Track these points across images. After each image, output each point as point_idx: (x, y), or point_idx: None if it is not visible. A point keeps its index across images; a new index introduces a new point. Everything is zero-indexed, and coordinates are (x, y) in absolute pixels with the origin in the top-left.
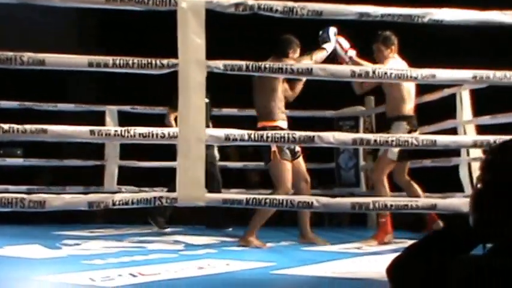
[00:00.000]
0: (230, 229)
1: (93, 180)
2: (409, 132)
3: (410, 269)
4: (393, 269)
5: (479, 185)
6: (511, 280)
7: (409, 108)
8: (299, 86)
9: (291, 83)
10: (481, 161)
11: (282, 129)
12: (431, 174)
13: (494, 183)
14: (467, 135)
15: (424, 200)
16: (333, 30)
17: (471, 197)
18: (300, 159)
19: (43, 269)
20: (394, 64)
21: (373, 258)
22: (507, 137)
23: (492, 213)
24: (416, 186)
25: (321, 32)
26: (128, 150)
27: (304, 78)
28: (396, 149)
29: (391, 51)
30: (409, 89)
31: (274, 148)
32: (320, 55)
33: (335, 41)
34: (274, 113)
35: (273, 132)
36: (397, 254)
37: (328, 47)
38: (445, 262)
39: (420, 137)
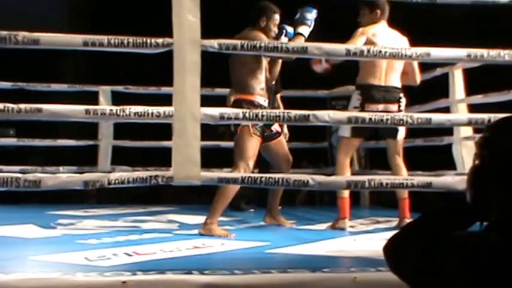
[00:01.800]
0: (252, 210)
1: (87, 160)
2: (362, 102)
3: (407, 247)
4: (390, 248)
5: (476, 162)
6: (507, 257)
7: (371, 77)
8: (276, 69)
9: (269, 65)
10: (479, 138)
11: (259, 104)
12: (423, 153)
13: (491, 159)
14: (462, 114)
15: (419, 178)
16: (314, 13)
17: (469, 174)
18: (281, 140)
19: (38, 248)
20: (376, 31)
21: (366, 237)
22: (501, 115)
23: (489, 188)
24: (404, 171)
25: (299, 14)
26: (121, 130)
27: (280, 61)
28: (348, 126)
29: (377, 15)
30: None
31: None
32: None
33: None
34: (251, 87)
35: (268, 111)
36: (392, 232)
37: (305, 31)
38: (441, 240)
39: (415, 115)
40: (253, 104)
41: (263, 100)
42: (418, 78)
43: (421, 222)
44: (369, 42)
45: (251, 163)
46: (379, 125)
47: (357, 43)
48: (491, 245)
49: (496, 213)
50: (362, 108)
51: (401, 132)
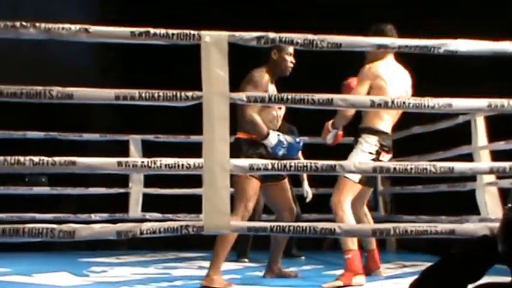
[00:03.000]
0: (303, 258)
1: (118, 207)
2: (378, 150)
3: None
4: None
5: (509, 216)
6: None
7: (384, 124)
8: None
9: None
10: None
11: (258, 143)
12: (447, 198)
13: None
14: (484, 162)
15: (442, 225)
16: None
17: (500, 227)
18: (284, 186)
19: None
20: (375, 71)
21: (394, 282)
22: None
23: None
24: (370, 221)
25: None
26: (151, 176)
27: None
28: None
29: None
30: None
31: None
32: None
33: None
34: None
35: (296, 162)
36: (412, 277)
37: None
38: (465, 286)
39: (438, 164)
40: (252, 143)
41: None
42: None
43: (440, 268)
44: (374, 86)
45: (250, 205)
46: (402, 175)
47: (360, 91)
48: None
49: None
50: (377, 156)
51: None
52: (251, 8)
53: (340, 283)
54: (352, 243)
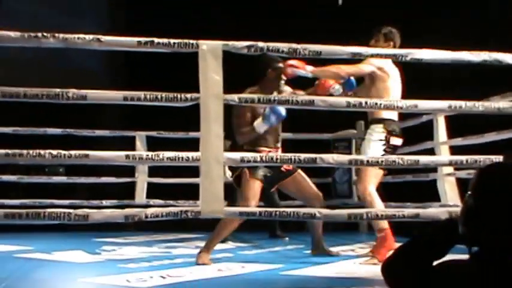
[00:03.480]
0: (286, 238)
1: (126, 194)
2: (386, 135)
3: (399, 268)
4: (386, 269)
5: (469, 202)
6: (490, 285)
7: (388, 112)
8: None
9: None
10: (472, 180)
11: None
12: (412, 187)
13: (481, 201)
14: (444, 156)
15: (408, 210)
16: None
17: (461, 212)
18: (298, 177)
19: (86, 271)
20: (380, 62)
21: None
22: (477, 157)
23: (480, 226)
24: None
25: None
26: (155, 168)
27: None
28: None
29: (389, 47)
30: (389, 94)
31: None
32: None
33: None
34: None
35: (282, 154)
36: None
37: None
38: (430, 263)
39: (405, 157)
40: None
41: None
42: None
43: (412, 245)
44: (378, 77)
45: (253, 203)
46: (375, 166)
47: (363, 68)
48: (476, 274)
49: (482, 246)
50: (387, 141)
51: None
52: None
53: (375, 260)
54: (384, 223)
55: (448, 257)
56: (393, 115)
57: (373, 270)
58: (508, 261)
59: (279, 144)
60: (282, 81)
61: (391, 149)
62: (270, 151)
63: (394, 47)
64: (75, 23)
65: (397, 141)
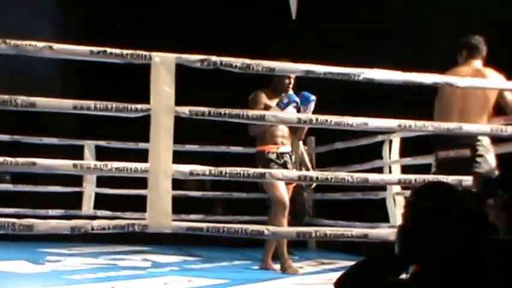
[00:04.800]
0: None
1: (72, 204)
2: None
3: (351, 286)
4: (338, 286)
5: (402, 221)
6: None
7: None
8: (300, 132)
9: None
10: (406, 200)
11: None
12: (362, 205)
13: (414, 220)
14: (393, 174)
15: (357, 230)
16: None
17: (397, 231)
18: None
19: (29, 282)
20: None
21: (314, 277)
22: (425, 176)
23: (412, 244)
24: None
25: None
26: (103, 178)
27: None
28: None
29: (462, 55)
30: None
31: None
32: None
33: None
34: (261, 139)
35: (230, 169)
36: (336, 273)
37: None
38: (377, 284)
39: (355, 175)
40: (263, 154)
41: (276, 148)
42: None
43: (362, 266)
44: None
45: (282, 194)
46: (324, 183)
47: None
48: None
49: (418, 264)
50: (436, 156)
51: None
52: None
53: None
54: None
55: None
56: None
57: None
58: (443, 275)
59: (287, 142)
60: (289, 83)
61: (443, 164)
62: (278, 147)
63: (470, 55)
64: (31, 29)
65: (444, 154)
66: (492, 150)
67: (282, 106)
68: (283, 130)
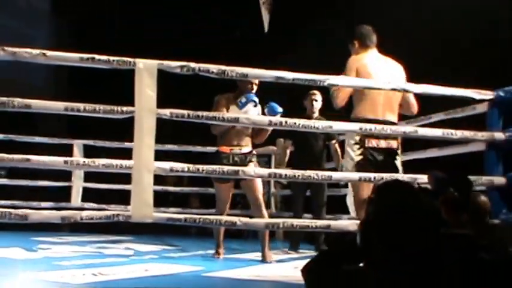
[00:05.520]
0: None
1: (62, 197)
2: (361, 138)
3: (316, 272)
4: (305, 271)
5: (364, 216)
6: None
7: (368, 109)
8: (262, 135)
9: (257, 130)
10: (368, 197)
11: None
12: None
13: (374, 216)
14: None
15: (321, 221)
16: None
17: (359, 225)
18: (248, 183)
19: (24, 267)
20: (365, 58)
21: (279, 265)
22: (383, 174)
23: (371, 237)
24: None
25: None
26: (90, 174)
27: (270, 129)
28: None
29: (355, 46)
30: (367, 94)
31: None
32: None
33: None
34: (218, 140)
35: (207, 166)
36: (300, 261)
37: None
38: (337, 271)
39: (320, 173)
40: (216, 154)
41: (226, 149)
42: (415, 108)
43: (327, 255)
44: (361, 74)
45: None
46: (292, 179)
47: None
48: (367, 278)
49: (374, 254)
50: (362, 144)
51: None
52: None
53: None
54: None
55: None
56: (375, 114)
57: (283, 274)
58: (397, 266)
59: (244, 144)
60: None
61: (370, 152)
62: (231, 149)
63: (362, 44)
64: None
65: (376, 143)
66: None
67: (240, 105)
68: (241, 132)
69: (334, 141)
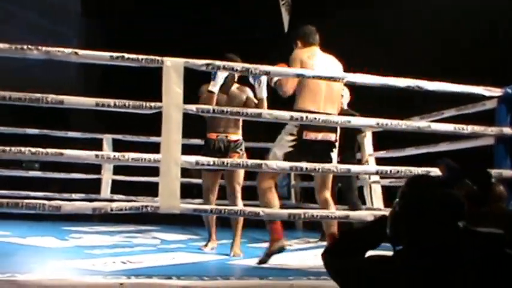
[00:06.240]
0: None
1: (93, 189)
2: (298, 130)
3: (337, 255)
4: (326, 256)
5: (396, 208)
6: (410, 277)
7: (307, 102)
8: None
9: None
10: (400, 190)
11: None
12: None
13: (404, 208)
14: (372, 166)
15: (340, 212)
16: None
17: (389, 215)
18: (230, 173)
19: (56, 256)
20: (306, 53)
21: (301, 253)
22: (399, 168)
23: (400, 228)
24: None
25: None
26: (118, 167)
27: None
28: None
29: (298, 46)
30: (306, 88)
31: None
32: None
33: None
34: (207, 127)
35: (232, 160)
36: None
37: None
38: (363, 253)
39: (339, 166)
40: (205, 141)
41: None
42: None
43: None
44: (303, 64)
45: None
46: (311, 173)
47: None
48: (399, 268)
49: (403, 244)
50: (299, 136)
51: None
52: None
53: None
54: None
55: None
56: (316, 107)
57: (305, 262)
58: (425, 259)
59: (232, 132)
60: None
61: (303, 144)
62: (217, 136)
63: (304, 43)
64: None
65: (314, 135)
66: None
67: (212, 78)
68: (229, 120)
69: (363, 134)
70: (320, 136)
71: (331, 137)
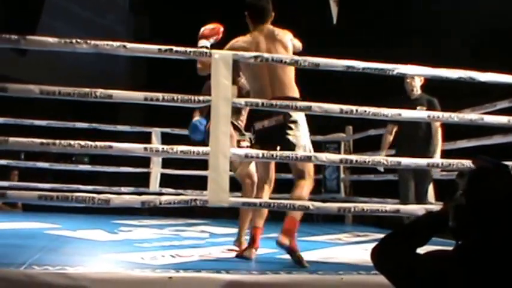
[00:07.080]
0: None
1: (141, 182)
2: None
3: (388, 252)
4: (375, 254)
5: (460, 201)
6: (473, 273)
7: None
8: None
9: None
10: (459, 181)
11: None
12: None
13: (471, 201)
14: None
15: (390, 206)
16: None
17: (451, 209)
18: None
19: (106, 249)
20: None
21: (350, 247)
22: (451, 161)
23: (467, 222)
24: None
25: None
26: (167, 160)
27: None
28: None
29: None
30: (255, 77)
31: None
32: None
33: None
34: None
35: (281, 152)
36: (369, 244)
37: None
38: (414, 249)
39: (389, 159)
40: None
41: None
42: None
43: (399, 232)
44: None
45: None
46: (359, 165)
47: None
48: (459, 263)
49: (470, 238)
50: (253, 128)
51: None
52: None
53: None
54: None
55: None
56: (261, 94)
57: (354, 256)
58: (489, 253)
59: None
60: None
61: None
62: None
63: (255, 19)
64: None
65: (260, 124)
66: (306, 126)
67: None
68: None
69: (437, 124)
70: (266, 123)
71: (278, 119)
